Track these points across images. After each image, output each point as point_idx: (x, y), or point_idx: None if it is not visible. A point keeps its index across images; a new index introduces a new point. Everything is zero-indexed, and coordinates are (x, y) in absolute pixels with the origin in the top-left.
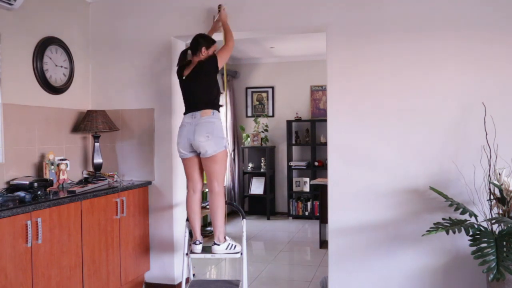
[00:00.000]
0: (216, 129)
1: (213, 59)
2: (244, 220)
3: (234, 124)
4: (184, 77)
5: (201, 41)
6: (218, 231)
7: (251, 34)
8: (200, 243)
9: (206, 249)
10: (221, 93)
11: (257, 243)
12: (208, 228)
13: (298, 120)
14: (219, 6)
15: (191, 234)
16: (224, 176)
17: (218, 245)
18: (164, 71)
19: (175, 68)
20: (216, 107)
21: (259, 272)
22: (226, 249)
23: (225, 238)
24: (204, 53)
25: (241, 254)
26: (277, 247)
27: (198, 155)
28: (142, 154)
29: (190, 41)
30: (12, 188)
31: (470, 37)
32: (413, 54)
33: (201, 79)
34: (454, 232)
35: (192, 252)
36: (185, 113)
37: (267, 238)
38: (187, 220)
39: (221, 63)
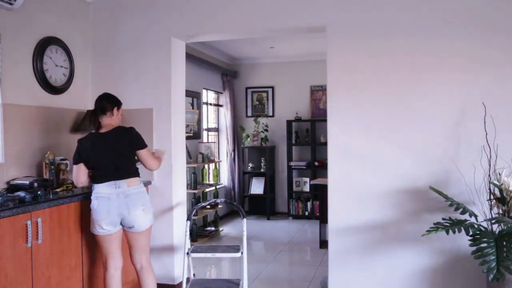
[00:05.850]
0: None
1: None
2: (245, 219)
3: (234, 124)
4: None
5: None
6: None
7: (251, 34)
8: None
9: None
10: None
11: (257, 243)
12: (208, 228)
13: (298, 120)
14: None
15: (191, 233)
16: None
17: None
18: (163, 71)
19: (175, 68)
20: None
21: (259, 272)
22: None
23: None
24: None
25: (242, 253)
26: (277, 247)
27: (122, 228)
28: None
29: None
30: (12, 188)
31: (470, 37)
32: (414, 54)
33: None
34: (454, 232)
35: None
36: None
37: (267, 238)
38: (188, 219)
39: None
